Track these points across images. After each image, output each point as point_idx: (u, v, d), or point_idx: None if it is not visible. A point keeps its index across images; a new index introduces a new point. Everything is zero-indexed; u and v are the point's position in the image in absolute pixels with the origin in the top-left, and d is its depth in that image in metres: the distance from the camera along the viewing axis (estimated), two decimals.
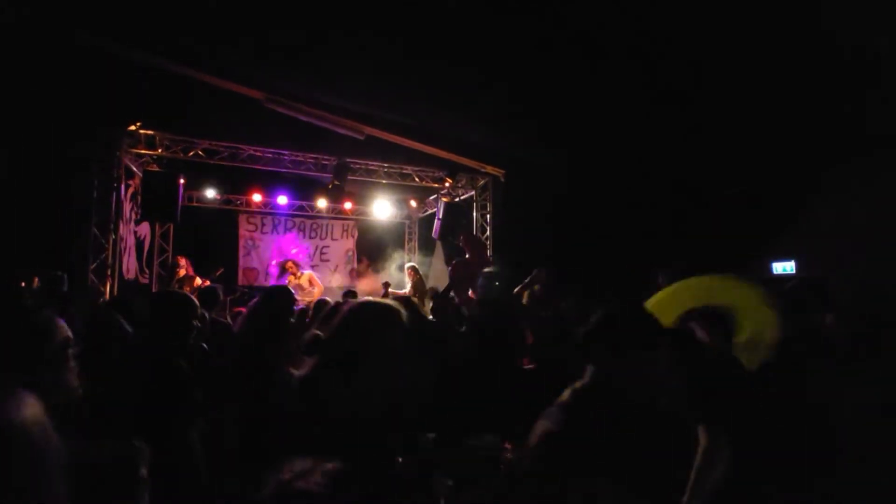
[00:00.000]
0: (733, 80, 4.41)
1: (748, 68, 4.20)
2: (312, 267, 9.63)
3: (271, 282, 8.65)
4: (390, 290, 7.70)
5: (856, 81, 4.01)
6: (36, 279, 3.63)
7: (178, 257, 6.85)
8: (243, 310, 4.74)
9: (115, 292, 6.20)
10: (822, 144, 4.90)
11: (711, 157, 5.73)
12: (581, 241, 6.43)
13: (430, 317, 3.76)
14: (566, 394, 1.32)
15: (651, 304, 2.28)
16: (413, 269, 7.46)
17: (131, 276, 7.15)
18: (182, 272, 6.68)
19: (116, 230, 6.47)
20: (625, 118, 5.42)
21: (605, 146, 6.13)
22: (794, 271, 5.97)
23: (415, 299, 6.57)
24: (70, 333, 1.31)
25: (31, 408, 0.81)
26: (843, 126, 4.42)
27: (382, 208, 9.34)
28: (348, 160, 7.32)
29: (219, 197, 8.83)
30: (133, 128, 6.53)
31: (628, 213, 6.52)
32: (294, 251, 9.12)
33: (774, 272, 6.11)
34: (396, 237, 10.33)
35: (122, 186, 6.68)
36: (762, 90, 4.43)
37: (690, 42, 4.05)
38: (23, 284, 3.52)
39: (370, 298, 1.58)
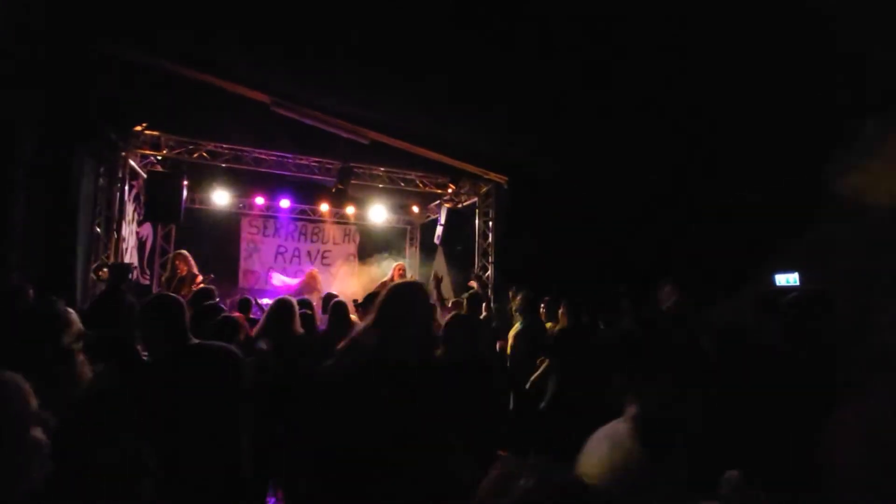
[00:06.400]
0: (738, 91, 4.43)
1: (753, 78, 4.21)
2: None
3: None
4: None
5: (862, 93, 4.03)
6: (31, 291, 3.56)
7: (177, 259, 6.76)
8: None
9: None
10: (827, 156, 4.91)
11: (715, 168, 5.74)
12: (583, 250, 6.42)
13: None
14: None
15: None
16: (401, 267, 7.38)
17: (132, 276, 7.14)
18: (184, 271, 6.62)
19: (119, 230, 6.47)
20: (627, 127, 5.43)
21: (608, 155, 6.14)
22: (797, 283, 5.96)
23: None
24: (82, 327, 1.33)
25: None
26: (850, 137, 4.43)
27: (385, 213, 9.35)
28: (352, 164, 7.34)
29: (222, 200, 8.84)
30: (138, 129, 6.55)
31: (629, 222, 6.51)
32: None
33: (778, 284, 6.09)
34: (398, 242, 10.33)
35: (126, 187, 6.69)
36: (766, 99, 4.45)
37: (694, 54, 4.07)
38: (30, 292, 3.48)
39: None
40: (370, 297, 3.06)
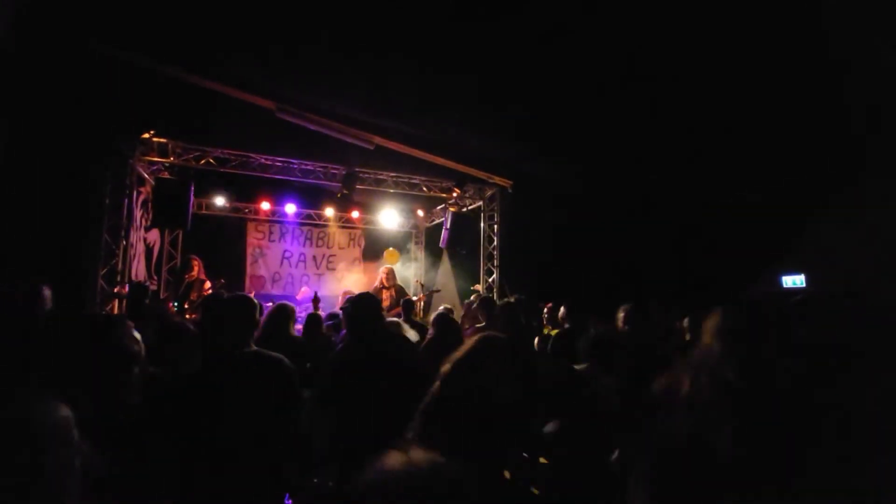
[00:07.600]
0: (745, 95, 4.43)
1: (761, 82, 4.22)
2: (319, 276, 9.68)
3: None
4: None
5: (868, 96, 4.02)
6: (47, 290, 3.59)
7: (192, 259, 6.89)
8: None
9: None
10: (834, 158, 4.89)
11: (721, 172, 5.73)
12: (588, 253, 6.42)
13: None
14: None
15: None
16: (388, 271, 7.33)
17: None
18: (194, 274, 6.72)
19: (127, 237, 6.53)
20: (633, 132, 5.44)
21: (613, 159, 6.15)
22: (804, 285, 5.93)
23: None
24: (142, 349, 1.37)
25: (59, 414, 0.82)
26: (857, 140, 4.42)
27: (390, 217, 9.38)
28: (357, 170, 7.38)
29: (228, 205, 8.92)
30: (146, 136, 6.62)
31: (636, 225, 6.51)
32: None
33: (784, 286, 6.07)
34: (403, 246, 10.36)
35: (134, 193, 6.76)
36: (774, 104, 4.44)
37: (701, 58, 4.08)
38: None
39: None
40: (353, 301, 2.97)
